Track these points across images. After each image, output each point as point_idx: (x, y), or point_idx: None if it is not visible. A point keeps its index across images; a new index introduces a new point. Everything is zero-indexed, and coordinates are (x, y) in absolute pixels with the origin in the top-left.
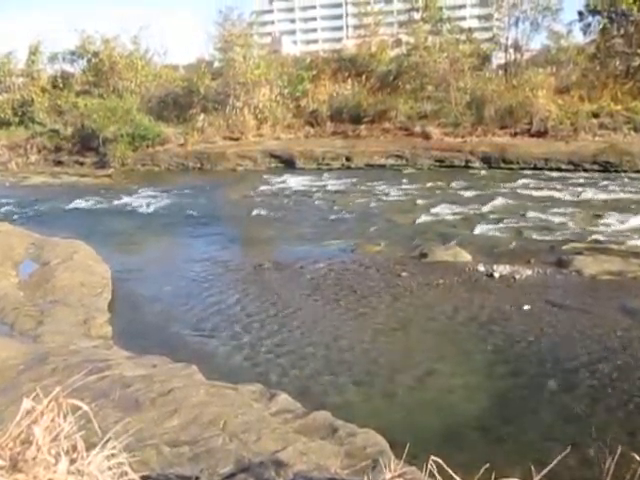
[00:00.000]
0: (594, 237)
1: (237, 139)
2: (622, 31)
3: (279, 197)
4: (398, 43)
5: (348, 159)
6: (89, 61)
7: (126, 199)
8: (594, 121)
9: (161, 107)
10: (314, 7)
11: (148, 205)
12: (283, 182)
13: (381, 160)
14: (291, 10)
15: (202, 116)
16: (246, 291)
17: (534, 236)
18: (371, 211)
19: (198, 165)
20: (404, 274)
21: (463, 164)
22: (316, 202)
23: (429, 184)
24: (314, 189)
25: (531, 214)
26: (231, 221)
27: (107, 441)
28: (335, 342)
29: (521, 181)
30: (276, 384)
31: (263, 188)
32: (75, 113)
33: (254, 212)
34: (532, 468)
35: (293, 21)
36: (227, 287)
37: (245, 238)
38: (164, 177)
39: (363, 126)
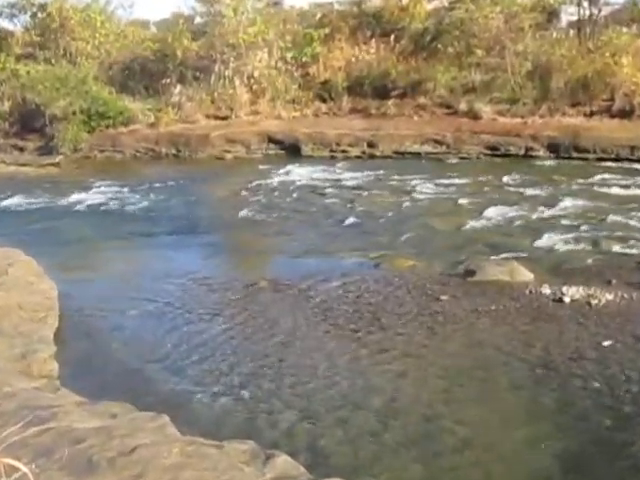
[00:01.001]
0: None
1: (225, 118)
2: None
3: (279, 194)
4: None
5: (371, 145)
6: (33, 16)
7: (79, 196)
8: None
9: (126, 76)
10: None
11: (107, 204)
12: (285, 174)
13: (414, 146)
14: None
15: (179, 88)
16: (234, 319)
17: (616, 249)
18: (401, 214)
19: (173, 152)
20: (444, 298)
21: (522, 153)
22: (328, 201)
23: (477, 178)
24: (326, 184)
25: (612, 219)
26: (216, 226)
27: None
28: (352, 393)
29: (599, 176)
30: (273, 442)
31: (258, 182)
32: (14, 83)
33: (246, 214)
34: None
35: None
36: (210, 313)
37: (234, 248)
38: (129, 167)
39: (391, 102)
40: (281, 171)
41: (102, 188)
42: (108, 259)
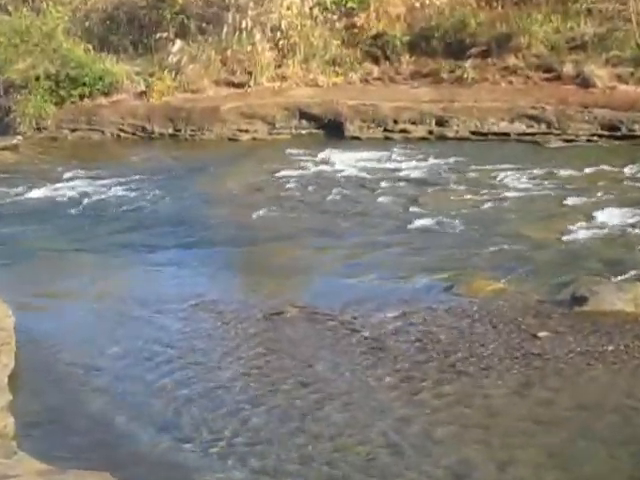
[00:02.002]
0: None
1: (241, 85)
2: None
3: (314, 190)
4: None
5: (441, 122)
6: None
7: (43, 191)
8: None
9: (107, 29)
10: None
11: (81, 203)
12: (322, 162)
13: (501, 125)
14: None
15: (179, 44)
16: (251, 361)
17: None
18: (482, 218)
19: (170, 131)
20: (543, 335)
21: None
22: (381, 200)
23: (589, 169)
24: (378, 176)
25: None
26: (226, 233)
27: None
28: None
29: None
30: None
31: (285, 173)
32: None
33: (268, 218)
34: None
35: None
36: (217, 353)
37: (251, 264)
38: (110, 152)
39: (469, 63)
40: (317, 158)
41: (74, 181)
42: (82, 278)
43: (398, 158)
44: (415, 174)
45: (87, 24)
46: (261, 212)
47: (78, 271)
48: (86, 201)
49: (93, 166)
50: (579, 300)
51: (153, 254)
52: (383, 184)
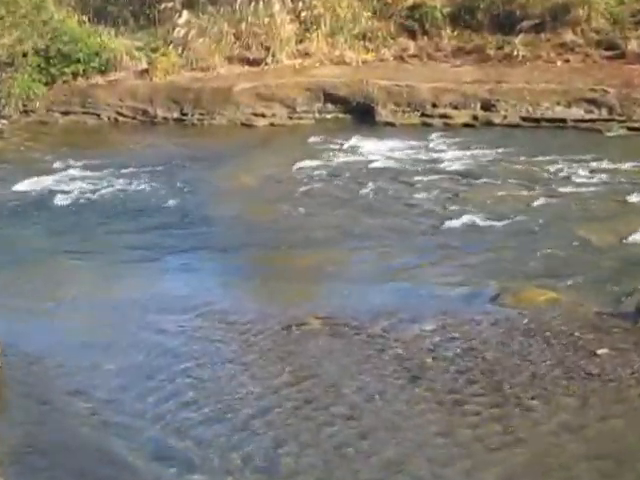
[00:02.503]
0: None
1: (257, 63)
2: None
3: (340, 184)
4: None
5: (487, 107)
6: None
7: (31, 183)
8: None
9: None
10: None
11: (73, 197)
12: (350, 152)
13: (556, 110)
14: None
15: (186, 16)
16: (269, 380)
17: None
18: (534, 217)
19: (175, 115)
20: (603, 352)
21: None
22: (418, 195)
23: None
24: (414, 168)
25: None
26: (239, 234)
27: None
28: None
29: None
30: None
31: (307, 164)
32: None
33: (287, 215)
34: None
35: None
36: (228, 370)
37: (268, 269)
38: (107, 139)
39: (519, 38)
40: (344, 146)
41: (66, 172)
42: (75, 284)
43: (437, 147)
44: (456, 166)
45: None
46: (280, 209)
47: (70, 277)
48: (80, 196)
49: (88, 155)
50: None
51: (155, 257)
52: (420, 177)
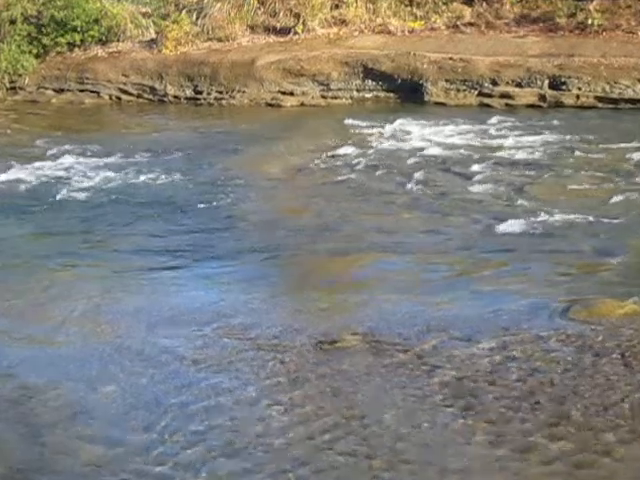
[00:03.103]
0: None
1: (285, 32)
2: None
3: (382, 174)
4: None
5: (556, 84)
6: None
7: (18, 171)
8: None
9: None
10: None
11: (68, 188)
12: (395, 137)
13: (638, 88)
14: None
15: None
16: (295, 408)
17: None
18: (612, 215)
19: (189, 92)
20: None
21: None
22: (474, 189)
23: None
24: (470, 156)
25: None
26: (263, 234)
27: None
28: None
29: None
30: None
31: (343, 151)
32: None
33: (318, 211)
34: None
35: None
36: (248, 395)
37: (296, 276)
38: (108, 120)
39: (594, 5)
40: (386, 131)
41: (59, 159)
42: (69, 291)
43: (497, 132)
44: (520, 155)
45: None
46: (310, 206)
47: (65, 282)
48: (76, 189)
49: (85, 140)
50: None
51: (165, 262)
52: (476, 168)
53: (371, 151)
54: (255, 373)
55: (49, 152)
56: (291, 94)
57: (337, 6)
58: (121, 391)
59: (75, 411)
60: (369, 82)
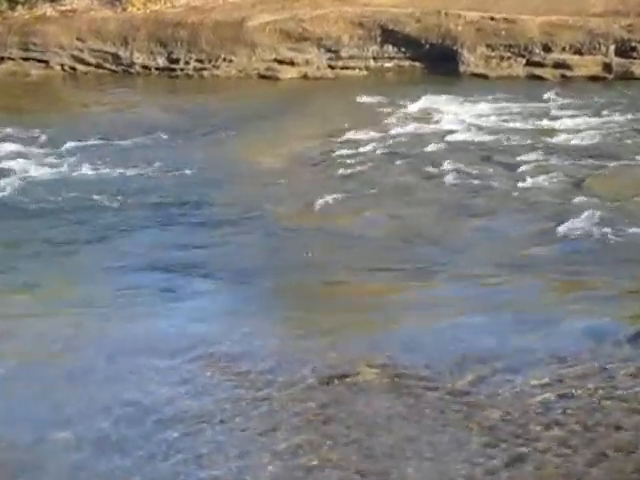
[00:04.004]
0: None
1: None
2: None
3: (406, 165)
4: None
5: (624, 51)
6: None
7: None
8: None
9: None
10: None
11: (12, 185)
12: (422, 117)
13: None
14: None
15: None
16: (297, 458)
17: None
18: None
19: (162, 62)
20: None
21: None
22: (521, 183)
23: None
24: (517, 141)
25: None
26: (258, 243)
27: None
28: None
29: None
30: None
31: (357, 136)
32: None
33: (326, 213)
34: None
35: None
36: (239, 445)
37: (300, 294)
38: (61, 97)
39: None
40: (411, 109)
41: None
42: (19, 312)
43: (550, 111)
44: (579, 139)
45: None
46: (315, 206)
47: (15, 309)
48: (20, 184)
49: (30, 122)
50: None
51: (135, 278)
52: (524, 157)
53: (392, 136)
54: (245, 417)
55: None
56: (291, 63)
57: None
58: (77, 439)
59: (20, 467)
60: (389, 48)
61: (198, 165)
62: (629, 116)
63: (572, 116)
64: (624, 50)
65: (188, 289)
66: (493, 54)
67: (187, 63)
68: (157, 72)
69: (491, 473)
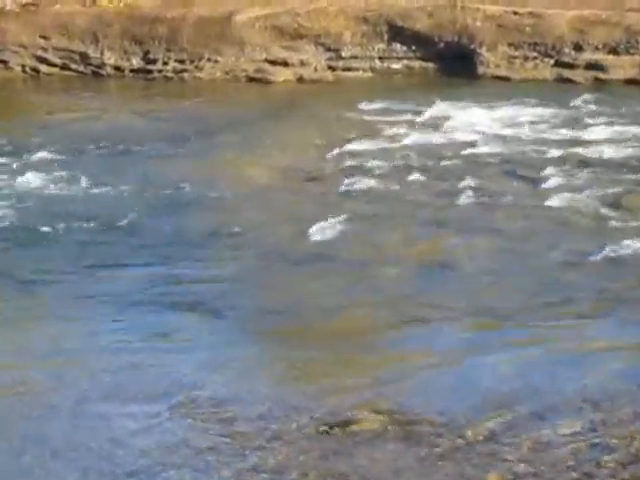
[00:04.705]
0: None
1: None
2: None
3: (417, 179)
4: None
5: None
6: None
7: None
8: None
9: None
10: None
11: None
12: (435, 125)
13: None
14: None
15: None
16: None
17: None
18: None
19: (137, 63)
20: None
21: None
22: (549, 201)
23: None
24: (544, 153)
25: None
26: (244, 271)
27: None
28: None
29: None
30: None
31: (361, 147)
32: None
33: (327, 236)
34: None
35: None
36: None
37: (292, 332)
38: (22, 102)
39: None
40: (423, 116)
41: None
42: None
43: (582, 119)
44: (614, 150)
45: None
46: (312, 227)
47: None
48: None
49: None
50: None
51: (105, 310)
52: (552, 170)
53: (400, 148)
54: (231, 470)
55: None
56: (284, 64)
57: None
58: None
59: None
60: (397, 46)
61: (177, 181)
62: None
63: (606, 124)
64: None
65: (169, 325)
66: (516, 54)
67: (165, 64)
68: (131, 74)
69: None
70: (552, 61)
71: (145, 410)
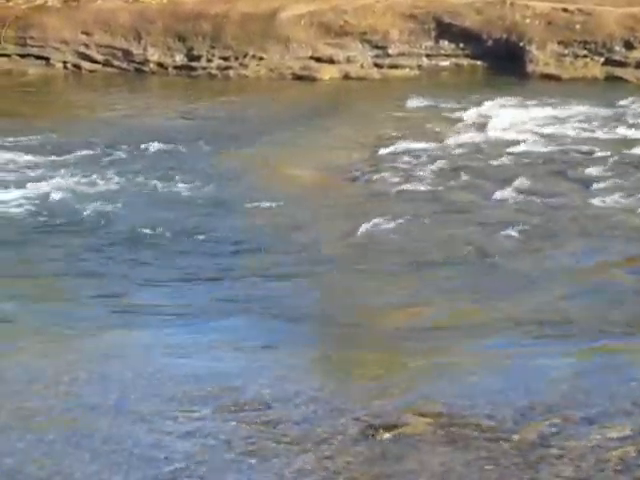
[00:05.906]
0: None
1: None
2: None
3: (466, 180)
4: None
5: None
6: None
7: None
8: None
9: None
10: None
11: (4, 204)
12: (483, 125)
13: None
14: None
15: None
16: None
17: None
18: None
19: (180, 59)
20: None
21: None
22: (598, 201)
23: None
24: (596, 154)
25: None
26: (287, 271)
27: None
28: None
29: None
30: None
31: (407, 146)
32: None
33: (371, 237)
34: None
35: None
36: None
37: (336, 332)
38: (63, 100)
39: None
40: (471, 115)
41: None
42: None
43: (633, 119)
44: None
45: None
46: (360, 228)
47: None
48: (14, 202)
49: (27, 128)
50: None
51: (146, 312)
52: (602, 171)
53: (447, 147)
54: (275, 475)
55: None
56: (330, 61)
57: None
58: None
59: None
60: (445, 44)
61: (222, 180)
62: None
63: None
64: None
65: (210, 324)
66: (566, 52)
67: (210, 61)
68: (175, 71)
69: None
70: (602, 59)
71: (185, 414)
